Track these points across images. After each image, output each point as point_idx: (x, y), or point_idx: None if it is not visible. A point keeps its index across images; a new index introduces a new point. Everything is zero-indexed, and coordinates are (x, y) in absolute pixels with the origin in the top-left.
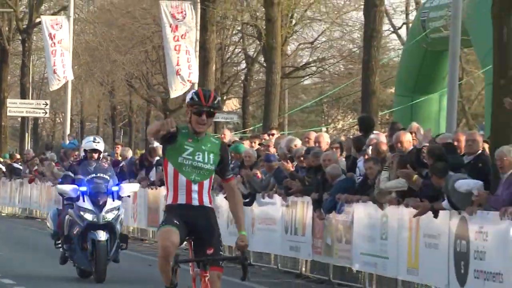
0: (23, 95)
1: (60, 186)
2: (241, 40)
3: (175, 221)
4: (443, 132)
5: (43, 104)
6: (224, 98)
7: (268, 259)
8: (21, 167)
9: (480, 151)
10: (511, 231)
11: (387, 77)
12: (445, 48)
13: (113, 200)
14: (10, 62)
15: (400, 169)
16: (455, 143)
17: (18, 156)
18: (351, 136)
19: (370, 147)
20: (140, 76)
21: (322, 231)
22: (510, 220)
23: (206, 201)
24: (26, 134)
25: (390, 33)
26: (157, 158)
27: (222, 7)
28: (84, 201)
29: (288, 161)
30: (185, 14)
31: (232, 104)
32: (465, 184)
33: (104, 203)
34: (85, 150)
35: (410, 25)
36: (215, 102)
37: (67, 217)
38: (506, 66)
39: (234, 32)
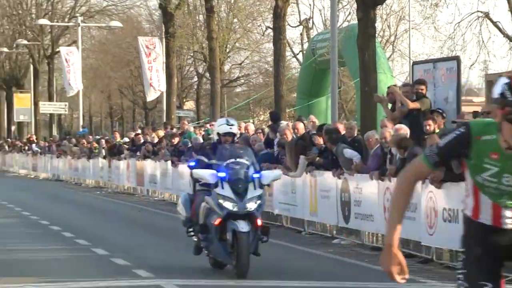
0: (50, 99)
1: (196, 171)
2: (193, 62)
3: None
4: (329, 123)
5: (64, 105)
6: (184, 100)
7: None
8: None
9: (355, 135)
10: (376, 188)
11: (291, 86)
12: (328, 67)
13: (255, 189)
14: (40, 77)
15: (296, 148)
16: None
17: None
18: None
19: (278, 133)
20: (127, 86)
21: None
22: (375, 181)
23: None
24: (53, 125)
25: (292, 57)
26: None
27: (179, 41)
28: (223, 188)
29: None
30: (155, 46)
31: (189, 104)
32: (349, 152)
33: (245, 191)
34: (218, 134)
35: (304, 52)
36: None
37: (203, 204)
38: (368, 78)
39: (188, 57)
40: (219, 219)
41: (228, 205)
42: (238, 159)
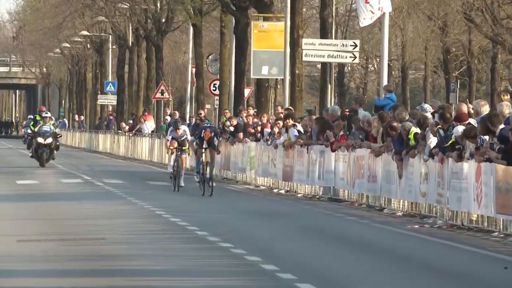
0: (324, 33)
1: None
2: None
3: None
4: None
5: (351, 45)
6: None
7: None
8: None
9: None
10: None
11: None
12: None
13: None
14: None
15: None
16: None
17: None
18: None
19: None
20: (483, 7)
21: None
22: None
23: None
24: (329, 86)
25: None
26: None
27: None
28: None
29: None
30: None
31: None
32: None
33: None
34: None
35: None
36: None
37: None
38: None
39: None
40: None
41: None
42: None
